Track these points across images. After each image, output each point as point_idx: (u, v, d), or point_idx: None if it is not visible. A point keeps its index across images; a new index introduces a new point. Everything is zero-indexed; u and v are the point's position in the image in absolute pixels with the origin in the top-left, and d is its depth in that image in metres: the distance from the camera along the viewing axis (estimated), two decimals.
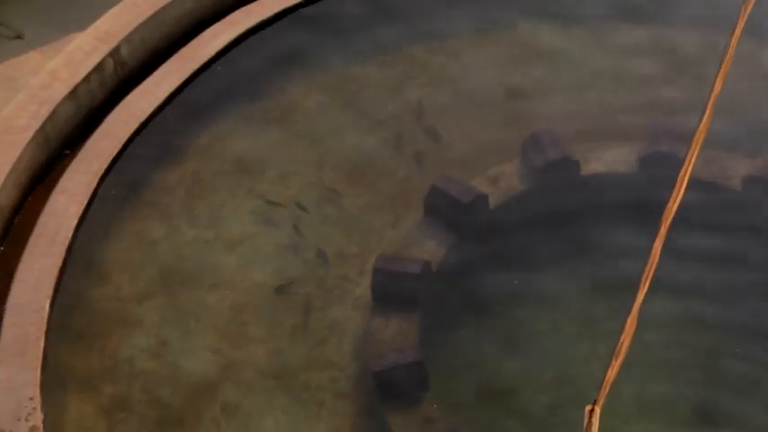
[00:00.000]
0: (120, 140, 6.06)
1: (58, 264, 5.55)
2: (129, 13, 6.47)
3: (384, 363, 5.38)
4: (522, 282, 5.77)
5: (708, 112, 4.01)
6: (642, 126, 6.20)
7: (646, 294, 3.68)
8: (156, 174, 6.16)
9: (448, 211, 5.94)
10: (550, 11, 6.77)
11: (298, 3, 6.59)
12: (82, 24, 6.43)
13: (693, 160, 3.90)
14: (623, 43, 6.65)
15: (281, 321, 5.67)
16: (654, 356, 5.31)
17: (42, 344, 5.23)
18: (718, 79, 4.12)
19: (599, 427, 3.46)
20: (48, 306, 5.37)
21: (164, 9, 6.52)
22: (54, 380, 5.21)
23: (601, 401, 3.50)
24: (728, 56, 4.17)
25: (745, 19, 4.23)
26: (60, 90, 6.17)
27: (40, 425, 4.97)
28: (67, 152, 6.05)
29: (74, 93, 6.21)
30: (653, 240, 3.69)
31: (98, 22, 6.43)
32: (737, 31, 4.19)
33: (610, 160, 6.11)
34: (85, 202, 5.80)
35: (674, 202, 3.79)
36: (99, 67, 6.30)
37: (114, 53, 6.36)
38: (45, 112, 6.08)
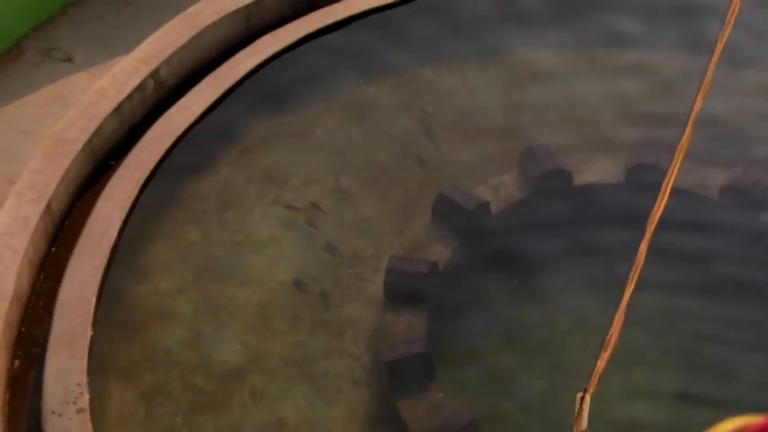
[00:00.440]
0: (160, 152, 6.05)
1: (103, 263, 5.55)
2: (168, 39, 6.47)
3: (395, 353, 5.39)
4: (520, 281, 5.75)
5: (688, 127, 3.97)
6: (629, 140, 6.18)
7: (633, 292, 3.65)
8: (192, 182, 6.16)
9: (453, 216, 5.93)
10: (546, 38, 6.74)
11: (318, 30, 6.59)
12: (126, 49, 6.43)
13: (675, 171, 3.86)
14: (611, 65, 6.61)
15: (302, 316, 5.66)
16: (639, 347, 5.29)
17: (89, 335, 5.24)
18: (698, 98, 4.07)
19: (588, 412, 3.44)
20: (94, 301, 5.37)
21: (199, 35, 6.52)
22: (99, 368, 5.23)
23: (591, 389, 3.46)
24: (707, 76, 4.12)
25: (722, 44, 4.19)
26: (106, 107, 6.18)
27: (87, 408, 4.97)
28: (112, 162, 6.06)
29: (118, 109, 6.21)
30: (639, 243, 3.66)
31: (140, 47, 6.43)
32: (715, 56, 4.14)
33: (599, 171, 6.09)
34: (128, 207, 5.80)
35: (658, 208, 3.75)
36: (141, 87, 6.30)
37: (154, 74, 6.36)
38: (93, 126, 6.08)
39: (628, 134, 6.21)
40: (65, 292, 5.45)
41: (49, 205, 5.78)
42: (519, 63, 6.67)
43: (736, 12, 4.24)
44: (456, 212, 5.93)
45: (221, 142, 6.30)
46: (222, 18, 6.61)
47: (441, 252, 5.83)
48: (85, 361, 5.15)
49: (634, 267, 3.72)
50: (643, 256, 3.73)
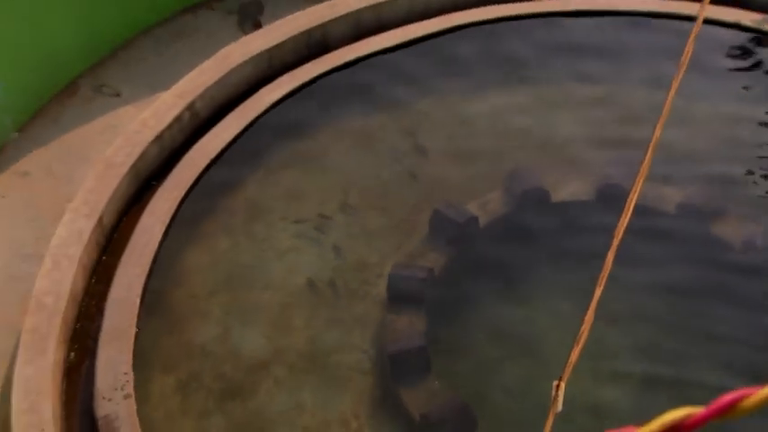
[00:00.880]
0: (195, 174, 6.07)
1: (146, 269, 5.57)
2: (202, 77, 6.49)
3: (397, 347, 5.42)
4: (505, 285, 5.76)
5: (649, 152, 4.00)
6: (598, 163, 6.21)
7: (602, 293, 3.67)
8: (223, 200, 6.19)
9: (447, 229, 5.94)
10: (526, 77, 6.75)
11: (330, 69, 6.60)
12: (166, 85, 6.44)
13: (638, 190, 3.89)
14: (583, 98, 6.62)
15: (317, 315, 5.67)
16: (607, 341, 5.30)
17: (134, 331, 5.27)
18: (658, 127, 4.11)
19: (563, 397, 3.46)
20: (138, 302, 5.40)
21: (228, 74, 6.54)
22: (142, 359, 5.25)
23: (565, 378, 3.49)
24: (666, 108, 4.15)
25: (679, 80, 4.21)
26: (149, 135, 6.19)
27: (132, 394, 5.00)
28: (154, 183, 6.07)
29: (159, 137, 6.22)
30: (607, 252, 3.68)
31: (178, 84, 6.44)
32: (672, 92, 4.17)
33: (573, 190, 6.10)
34: (167, 221, 5.82)
35: (623, 221, 3.78)
36: (178, 118, 6.32)
37: (190, 107, 6.37)
38: (137, 152, 6.10)
39: (597, 158, 6.24)
40: (113, 294, 5.48)
41: (100, 219, 5.80)
42: (502, 97, 6.68)
43: (690, 54, 4.28)
44: (449, 225, 5.94)
45: (247, 165, 6.32)
46: (248, 60, 6.63)
47: (436, 259, 5.83)
48: (131, 353, 5.19)
49: (602, 272, 3.74)
50: (610, 263, 3.76)
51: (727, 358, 5.38)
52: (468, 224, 5.95)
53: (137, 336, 5.26)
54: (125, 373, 5.13)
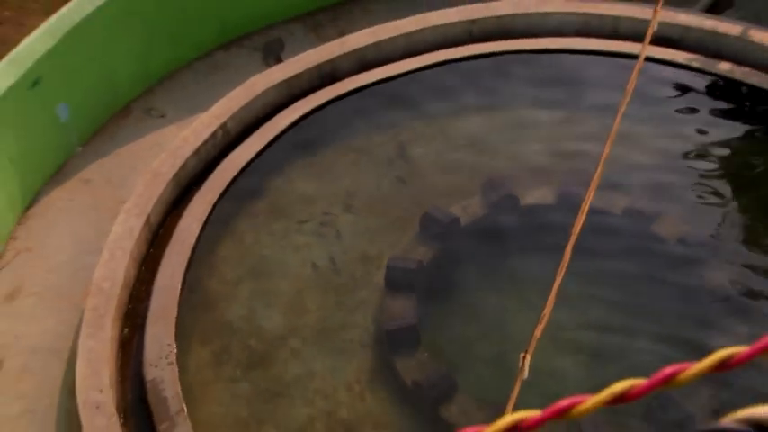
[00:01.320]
0: (226, 181, 6.07)
1: (186, 260, 5.57)
2: (232, 102, 6.47)
3: (393, 325, 5.41)
4: (480, 274, 5.74)
5: (600, 165, 3.98)
6: (559, 174, 6.18)
7: (561, 281, 3.65)
8: (247, 203, 6.17)
9: (434, 228, 5.92)
10: (498, 102, 6.73)
11: (338, 96, 6.61)
12: (203, 109, 6.42)
13: (590, 196, 3.87)
14: (546, 120, 6.60)
15: (327, 299, 5.65)
16: (565, 321, 5.28)
17: (175, 311, 5.27)
18: (607, 144, 4.09)
19: (528, 367, 3.44)
20: (179, 287, 5.40)
21: (254, 99, 6.53)
22: (183, 334, 5.25)
23: (530, 351, 3.47)
24: (614, 129, 4.14)
25: (624, 106, 4.20)
26: (188, 149, 6.18)
27: (174, 362, 5.01)
28: (193, 189, 6.04)
29: (197, 151, 6.21)
30: (565, 246, 3.66)
31: (213, 107, 6.42)
32: (618, 116, 4.15)
33: (538, 196, 6.07)
34: (203, 221, 5.82)
35: (579, 222, 3.76)
36: (213, 135, 6.30)
37: (223, 126, 6.36)
38: (178, 163, 6.09)
39: (558, 169, 6.21)
40: (159, 281, 5.48)
41: (148, 219, 5.79)
42: (479, 119, 6.66)
43: (633, 86, 4.26)
44: (436, 225, 5.92)
45: (269, 174, 6.29)
46: (270, 88, 6.61)
47: (425, 253, 5.80)
48: (173, 329, 5.19)
49: (562, 263, 3.72)
50: (568, 255, 3.74)
51: (664, 332, 5.36)
52: (451, 224, 5.94)
53: (178, 315, 5.28)
54: (168, 345, 5.13)
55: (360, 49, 6.86)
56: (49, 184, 6.36)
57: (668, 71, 6.63)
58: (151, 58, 6.93)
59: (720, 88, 6.60)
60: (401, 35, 6.92)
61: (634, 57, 4.68)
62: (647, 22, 4.83)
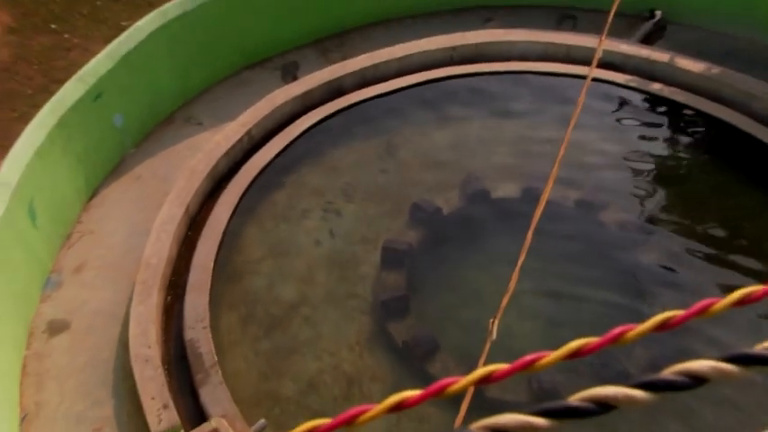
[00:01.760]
0: (250, 178, 6.06)
1: (217, 242, 5.56)
2: (257, 112, 6.45)
3: (387, 296, 5.41)
4: (459, 253, 5.73)
5: (556, 165, 3.96)
6: (523, 172, 6.16)
7: (524, 259, 3.63)
8: (268, 195, 6.15)
9: (421, 216, 5.91)
10: (473, 113, 6.72)
11: (343, 108, 6.62)
12: (232, 117, 6.41)
13: (548, 190, 3.85)
14: (512, 128, 6.59)
15: (333, 274, 5.63)
16: (527, 292, 5.28)
17: (209, 284, 5.25)
18: (562, 147, 4.06)
19: (497, 330, 3.42)
20: (212, 264, 5.39)
21: (274, 110, 6.52)
22: (215, 302, 5.24)
23: (498, 317, 3.44)
24: (567, 135, 4.11)
25: (576, 117, 4.17)
26: (220, 151, 6.16)
27: (208, 325, 4.99)
28: (223, 183, 6.03)
29: (227, 153, 6.18)
30: (527, 230, 3.64)
31: (240, 116, 6.41)
32: (571, 125, 4.13)
33: (506, 191, 6.07)
34: (232, 209, 5.82)
35: (538, 212, 3.74)
36: (240, 140, 6.28)
37: (248, 132, 6.34)
38: (212, 162, 6.08)
39: (522, 168, 6.19)
40: (196, 259, 5.46)
41: (187, 208, 5.77)
42: (457, 127, 6.65)
43: (583, 101, 4.23)
44: (422, 214, 5.92)
45: (285, 172, 6.28)
46: (288, 101, 6.58)
47: (414, 237, 5.80)
48: (207, 298, 5.18)
49: (524, 245, 3.70)
50: (530, 239, 3.72)
51: (608, 299, 5.37)
52: (435, 213, 5.94)
53: (211, 286, 5.27)
54: (204, 311, 5.12)
55: (360, 70, 6.85)
56: (107, 179, 6.35)
57: (611, 89, 6.64)
58: (190, 77, 6.90)
59: (653, 103, 6.63)
60: (394, 59, 6.91)
61: (584, 77, 4.68)
62: (593, 50, 4.82)
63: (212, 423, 4.63)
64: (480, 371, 0.78)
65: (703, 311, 0.82)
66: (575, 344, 0.80)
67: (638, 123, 6.57)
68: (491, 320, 3.50)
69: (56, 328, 5.38)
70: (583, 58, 6.65)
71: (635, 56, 6.73)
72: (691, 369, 0.73)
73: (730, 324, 4.96)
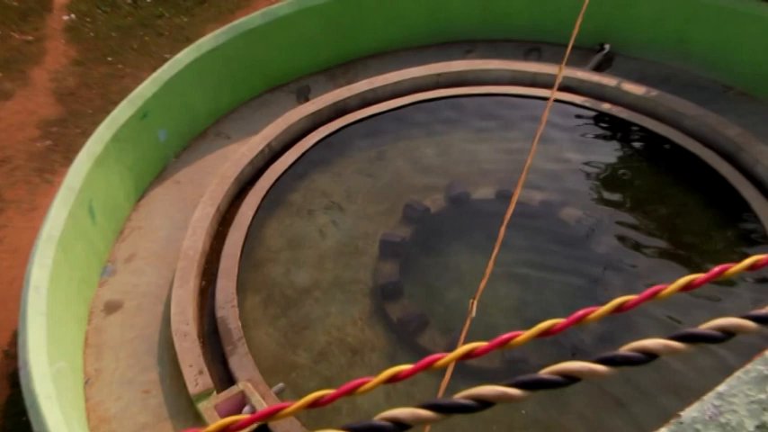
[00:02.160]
0: (270, 183, 6.02)
1: (243, 236, 5.53)
2: (276, 128, 6.42)
3: (384, 281, 5.38)
4: (444, 246, 5.70)
5: (524, 172, 3.92)
6: (497, 178, 6.13)
7: (498, 250, 3.59)
8: (285, 196, 6.10)
9: (412, 214, 5.87)
10: (454, 129, 6.69)
11: (347, 124, 6.59)
12: (256, 132, 6.39)
13: (518, 194, 3.81)
14: (486, 141, 6.57)
15: (339, 262, 5.58)
16: (499, 276, 5.26)
17: (236, 271, 5.23)
18: (529, 157, 4.03)
19: (476, 309, 3.38)
20: (239, 254, 5.37)
21: (290, 126, 6.48)
22: (241, 286, 5.23)
23: (477, 298, 3.40)
24: (533, 147, 4.08)
25: (540, 131, 4.15)
26: (245, 160, 6.13)
27: (236, 305, 5.00)
28: (248, 187, 6.00)
29: (251, 161, 6.15)
30: (500, 225, 3.60)
31: (262, 132, 6.38)
32: (536, 139, 4.10)
33: (482, 193, 6.04)
34: (255, 209, 5.78)
35: (510, 210, 3.70)
36: (261, 151, 6.25)
37: (269, 144, 6.31)
38: (238, 169, 6.06)
39: (496, 174, 6.16)
40: (225, 250, 5.43)
41: (218, 207, 5.73)
42: (442, 139, 6.61)
43: (546, 118, 4.20)
44: (414, 212, 5.87)
45: (299, 177, 6.22)
46: (301, 118, 6.54)
47: (407, 231, 5.75)
48: (235, 282, 5.15)
49: (498, 237, 3.66)
50: (503, 233, 3.68)
51: (568, 283, 5.35)
52: (424, 212, 5.89)
53: (238, 273, 5.24)
54: (232, 293, 5.08)
55: (361, 93, 6.81)
56: (152, 184, 6.31)
57: (570, 108, 6.61)
58: (220, 99, 6.87)
59: (603, 120, 6.60)
60: (390, 83, 6.88)
61: (547, 98, 4.66)
62: (555, 76, 4.81)
63: (239, 386, 4.61)
64: (463, 348, 0.75)
65: (653, 296, 0.80)
66: (545, 324, 0.77)
67: (591, 136, 6.54)
68: (471, 300, 3.47)
69: (111, 307, 5.36)
70: (546, 82, 6.64)
71: (588, 81, 6.71)
72: (645, 346, 0.71)
73: (669, 304, 4.95)
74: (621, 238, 5.70)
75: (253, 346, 4.88)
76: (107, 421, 4.70)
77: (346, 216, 5.95)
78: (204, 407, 4.52)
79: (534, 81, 6.82)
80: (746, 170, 5.82)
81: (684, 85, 6.65)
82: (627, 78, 6.69)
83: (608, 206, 6.00)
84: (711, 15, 6.48)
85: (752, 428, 0.90)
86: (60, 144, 6.83)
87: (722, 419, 0.92)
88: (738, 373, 0.96)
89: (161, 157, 6.42)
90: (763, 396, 0.92)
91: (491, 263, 3.56)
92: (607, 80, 6.70)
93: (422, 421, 0.68)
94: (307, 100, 6.91)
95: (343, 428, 0.68)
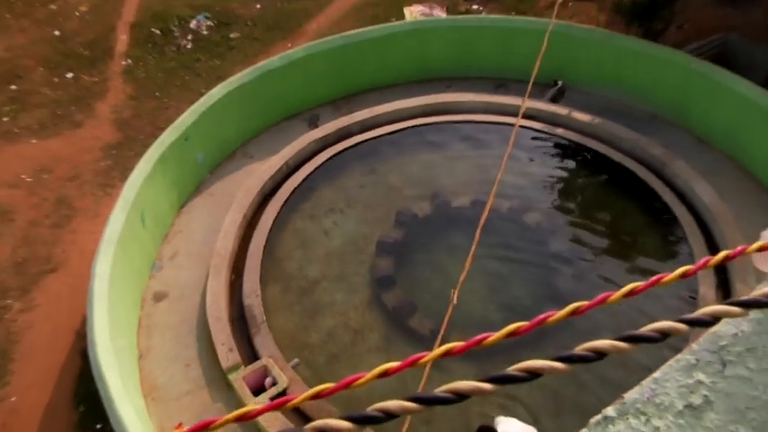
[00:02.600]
0: (287, 193, 5.97)
1: (265, 238, 5.51)
2: (292, 149, 6.37)
3: (380, 274, 5.31)
4: (430, 245, 5.65)
5: (495, 184, 3.89)
6: (472, 189, 6.06)
7: (475, 248, 3.55)
8: (299, 205, 6.02)
9: (403, 219, 5.80)
10: (438, 149, 6.64)
11: (349, 146, 6.51)
12: (275, 152, 6.34)
13: (490, 203, 3.78)
14: (464, 159, 6.51)
15: (342, 259, 5.51)
16: (475, 271, 5.23)
17: (259, 266, 5.19)
18: (499, 173, 4.00)
19: (456, 297, 3.34)
20: (262, 253, 5.32)
21: (304, 147, 6.43)
22: (264, 278, 5.19)
23: (457, 288, 3.36)
24: (503, 164, 4.05)
25: (509, 150, 4.12)
26: (267, 175, 6.09)
27: (259, 294, 4.94)
28: (269, 198, 5.94)
29: (272, 177, 6.12)
30: (476, 228, 3.57)
31: (281, 152, 6.33)
32: (505, 157, 4.07)
33: (461, 201, 5.99)
34: (275, 215, 5.73)
35: (483, 215, 3.67)
36: (280, 168, 6.23)
37: (287, 162, 6.28)
38: (261, 183, 6.01)
39: (472, 186, 6.09)
40: (250, 249, 5.38)
41: (245, 214, 5.70)
42: (428, 158, 6.55)
43: (513, 140, 4.17)
44: (404, 218, 5.81)
45: (310, 190, 6.15)
46: (313, 141, 6.49)
47: (399, 234, 5.69)
48: (258, 276, 5.11)
49: (475, 238, 3.63)
50: (478, 234, 3.64)
51: (529, 278, 5.30)
52: (413, 217, 5.83)
53: (261, 267, 5.19)
54: (256, 285, 5.04)
55: (362, 120, 6.76)
56: (191, 196, 6.25)
57: (531, 132, 6.59)
58: (247, 125, 6.82)
59: (558, 142, 6.57)
60: (385, 112, 6.84)
61: (512, 125, 4.64)
62: (519, 106, 4.78)
63: (262, 361, 4.56)
64: (443, 348, 0.72)
65: (603, 302, 0.77)
66: (511, 327, 0.74)
67: (549, 155, 6.52)
68: (452, 290, 3.44)
69: (159, 296, 5.31)
70: (512, 111, 6.61)
71: (546, 110, 6.70)
72: (596, 347, 0.68)
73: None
74: (573, 237, 5.68)
75: (273, 328, 4.83)
76: (156, 389, 4.67)
77: (348, 221, 5.89)
78: (234, 378, 4.48)
79: (502, 110, 6.80)
80: (668, 181, 5.87)
81: (620, 113, 6.66)
82: (576, 108, 6.69)
83: (562, 211, 5.98)
84: (639, 59, 6.58)
85: (680, 407, 0.89)
86: (118, 163, 6.79)
87: (657, 400, 0.91)
88: (671, 362, 0.94)
89: (198, 174, 6.36)
90: (690, 381, 0.90)
91: (469, 258, 3.53)
92: (560, 110, 6.69)
93: (407, 412, 0.65)
94: (316, 126, 6.88)
95: (342, 418, 0.65)
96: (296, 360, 4.66)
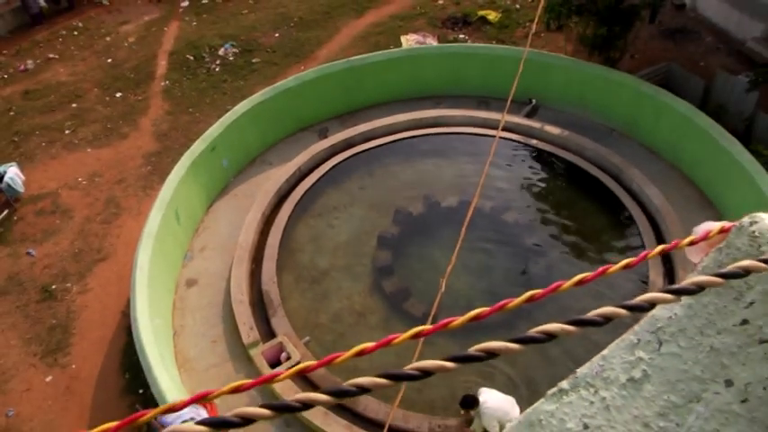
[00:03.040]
0: (299, 195, 5.93)
1: (281, 232, 5.48)
2: (303, 157, 6.32)
3: (380, 264, 5.29)
4: (423, 239, 5.61)
5: (479, 187, 3.85)
6: (459, 192, 6.01)
7: (461, 242, 3.53)
8: (309, 205, 5.97)
9: (400, 217, 5.76)
10: (429, 157, 6.56)
11: (353, 154, 6.44)
12: (290, 159, 6.30)
13: (475, 203, 3.75)
14: (451, 165, 6.45)
15: (348, 251, 5.47)
16: (462, 263, 5.19)
17: (276, 257, 5.16)
18: (482, 177, 3.96)
19: (445, 285, 3.31)
20: (278, 245, 5.30)
21: (314, 155, 6.38)
22: (279, 268, 5.17)
23: (446, 276, 3.34)
24: (485, 169, 4.01)
25: (490, 158, 4.08)
26: (282, 179, 6.06)
27: (276, 282, 4.90)
28: (284, 198, 5.90)
29: (287, 180, 6.09)
30: (462, 225, 3.54)
31: (294, 159, 6.29)
32: (487, 164, 4.04)
33: (449, 202, 5.94)
34: (289, 214, 5.70)
35: (469, 214, 3.64)
36: (294, 173, 6.18)
37: (299, 168, 6.23)
38: (277, 187, 5.98)
39: (459, 189, 6.03)
40: (268, 242, 5.35)
41: (264, 212, 5.67)
42: (421, 164, 6.49)
43: (494, 149, 4.12)
44: (401, 216, 5.77)
45: (319, 192, 6.07)
46: (322, 149, 6.43)
47: (396, 230, 5.65)
48: (275, 265, 5.08)
49: (461, 234, 3.60)
50: (464, 230, 3.61)
51: (507, 267, 5.27)
52: (408, 215, 5.78)
53: (278, 258, 5.16)
54: (273, 273, 5.02)
55: (364, 132, 6.70)
56: (218, 196, 6.21)
57: (510, 143, 6.54)
58: (266, 136, 6.77)
59: (533, 151, 6.53)
60: (383, 125, 6.77)
61: (494, 136, 4.61)
62: (499, 120, 4.74)
63: (278, 339, 4.56)
64: (413, 330, 0.70)
65: (555, 290, 0.75)
66: (474, 312, 0.72)
67: (525, 163, 6.47)
68: (441, 279, 3.42)
69: (190, 282, 5.30)
70: (493, 125, 6.56)
71: (522, 124, 6.66)
72: (547, 329, 0.66)
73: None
74: (545, 233, 5.64)
75: (287, 311, 4.81)
76: (189, 361, 4.68)
77: (353, 218, 5.84)
78: (254, 353, 4.48)
79: (485, 124, 6.75)
80: (626, 186, 5.86)
81: (584, 127, 6.64)
82: (547, 122, 6.65)
83: (536, 211, 5.94)
84: (598, 82, 6.58)
85: (624, 380, 0.88)
86: (157, 169, 6.80)
87: (604, 375, 0.92)
88: (617, 341, 0.93)
89: (224, 179, 6.33)
90: (632, 358, 0.90)
91: (456, 251, 3.50)
92: (534, 124, 6.65)
93: (379, 387, 0.63)
94: (325, 137, 6.84)
95: (321, 392, 0.63)
96: (307, 338, 4.65)
